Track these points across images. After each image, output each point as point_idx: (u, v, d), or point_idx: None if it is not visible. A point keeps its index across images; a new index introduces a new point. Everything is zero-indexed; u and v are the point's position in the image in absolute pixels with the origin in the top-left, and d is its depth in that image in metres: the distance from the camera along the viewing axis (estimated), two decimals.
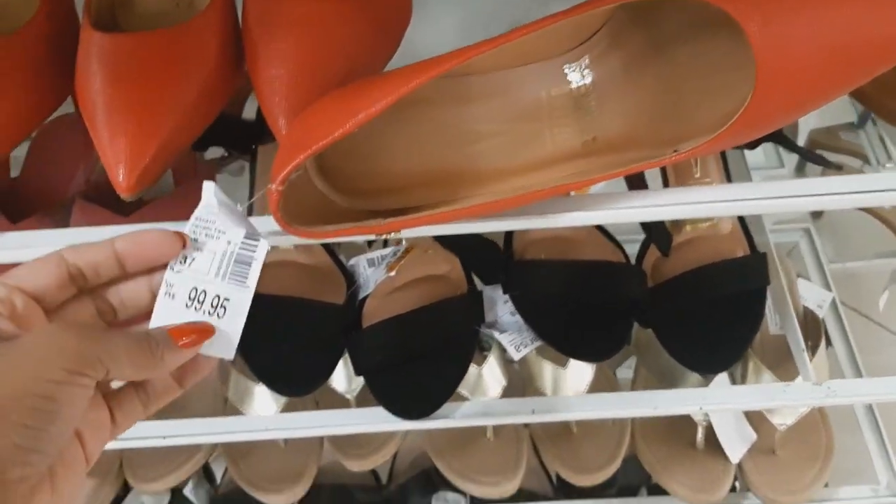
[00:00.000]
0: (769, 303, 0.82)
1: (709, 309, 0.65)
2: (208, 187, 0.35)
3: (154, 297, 0.35)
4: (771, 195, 0.45)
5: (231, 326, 0.35)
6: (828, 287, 0.98)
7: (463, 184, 0.45)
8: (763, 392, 0.64)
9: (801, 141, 1.05)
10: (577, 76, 0.45)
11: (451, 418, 0.65)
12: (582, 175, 0.44)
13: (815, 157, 0.72)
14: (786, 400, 0.64)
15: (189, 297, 0.35)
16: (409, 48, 0.54)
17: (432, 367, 0.65)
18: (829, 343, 0.95)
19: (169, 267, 0.35)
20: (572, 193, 0.56)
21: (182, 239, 0.35)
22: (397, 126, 0.43)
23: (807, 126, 1.04)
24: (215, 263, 0.35)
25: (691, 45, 0.44)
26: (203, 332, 0.35)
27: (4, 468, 0.28)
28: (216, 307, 0.35)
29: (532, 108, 0.45)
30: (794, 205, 0.45)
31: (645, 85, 0.45)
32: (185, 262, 0.35)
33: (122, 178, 0.43)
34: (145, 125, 0.44)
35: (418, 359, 0.65)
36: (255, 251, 0.35)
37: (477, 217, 0.43)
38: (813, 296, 0.91)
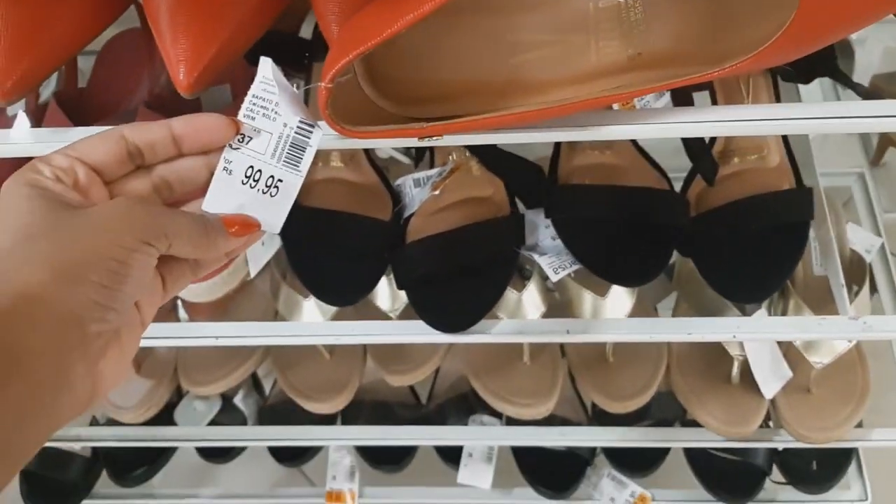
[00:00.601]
0: (814, 243, 0.82)
1: (750, 240, 0.66)
2: (265, 63, 0.37)
3: (210, 174, 0.37)
4: (814, 115, 0.44)
5: (280, 206, 0.37)
6: (878, 234, 0.97)
7: (508, 94, 0.46)
8: (798, 324, 0.65)
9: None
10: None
11: (487, 334, 0.67)
12: (627, 88, 0.45)
13: (870, 94, 0.70)
14: (821, 332, 0.64)
15: (245, 175, 0.37)
16: None
17: (471, 283, 0.67)
18: (874, 289, 0.94)
19: (227, 144, 0.37)
20: (616, 107, 0.57)
21: (236, 126, 0.37)
22: (444, 33, 0.45)
23: (870, 70, 1.01)
24: (272, 145, 0.37)
25: None
26: (249, 225, 0.37)
27: (85, 322, 0.31)
28: (269, 187, 0.37)
29: (579, 20, 0.45)
30: (837, 126, 0.45)
31: (693, 0, 0.45)
32: (242, 140, 0.37)
33: (182, 76, 0.45)
34: (206, 28, 0.46)
35: (458, 275, 0.67)
36: (310, 137, 0.37)
37: (518, 125, 0.44)
38: (861, 240, 0.90)
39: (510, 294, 0.74)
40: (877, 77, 1.08)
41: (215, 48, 0.46)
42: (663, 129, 0.45)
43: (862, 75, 1.01)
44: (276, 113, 0.37)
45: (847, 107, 0.45)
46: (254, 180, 0.37)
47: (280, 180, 0.37)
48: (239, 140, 0.37)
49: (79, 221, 0.32)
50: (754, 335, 0.65)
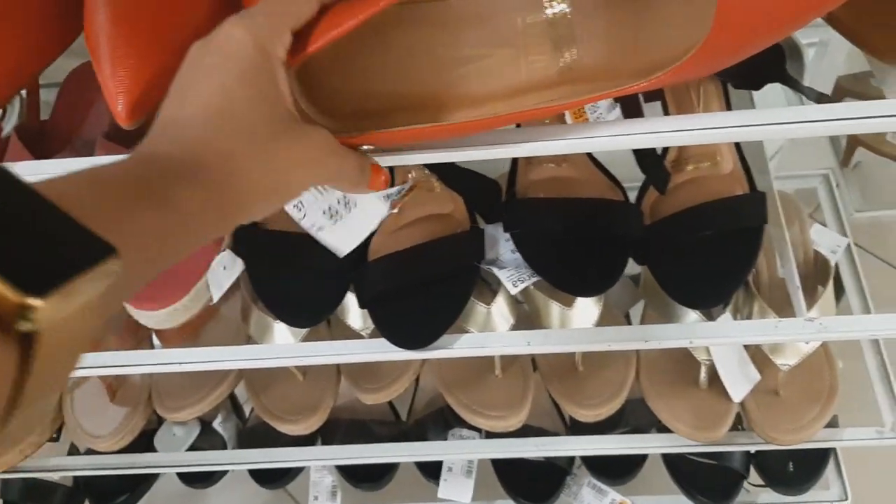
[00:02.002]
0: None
1: (704, 246, 0.66)
2: None
3: None
4: (762, 122, 0.45)
5: (363, 199, 0.47)
6: (844, 234, 0.98)
7: (443, 109, 0.47)
8: (755, 327, 0.65)
9: (828, 87, 1.04)
10: (555, 4, 0.47)
11: (449, 349, 0.68)
12: (559, 101, 0.46)
13: (821, 98, 0.71)
14: (777, 335, 0.65)
15: (330, 217, 0.46)
16: None
17: (432, 300, 0.68)
18: (842, 290, 0.95)
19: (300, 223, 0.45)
20: (569, 120, 0.58)
21: None
22: (378, 47, 0.46)
23: (835, 71, 1.03)
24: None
25: None
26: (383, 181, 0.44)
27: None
28: (346, 203, 0.46)
29: (509, 35, 0.46)
30: (786, 131, 0.45)
31: (621, 15, 0.46)
32: (301, 209, 0.46)
33: (121, 108, 0.46)
34: (144, 58, 0.47)
35: (420, 292, 0.68)
36: None
37: (448, 137, 0.45)
38: (827, 241, 0.91)
39: (479, 307, 0.75)
40: (842, 78, 1.09)
41: (154, 77, 0.47)
42: (616, 142, 0.46)
43: (827, 77, 1.02)
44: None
45: (796, 112, 0.45)
46: (334, 214, 0.45)
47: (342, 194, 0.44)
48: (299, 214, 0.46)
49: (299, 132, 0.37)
50: (711, 340, 0.65)
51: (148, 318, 0.70)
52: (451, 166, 0.74)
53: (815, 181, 1.01)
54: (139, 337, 0.89)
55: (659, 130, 0.46)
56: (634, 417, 0.98)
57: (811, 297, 0.82)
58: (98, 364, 0.71)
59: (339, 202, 0.40)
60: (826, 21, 0.52)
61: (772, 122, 0.46)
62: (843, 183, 1.17)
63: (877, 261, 1.33)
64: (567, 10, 0.47)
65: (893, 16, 0.51)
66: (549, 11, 0.46)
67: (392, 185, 0.77)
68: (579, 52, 0.46)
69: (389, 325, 0.67)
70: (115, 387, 0.90)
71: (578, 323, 0.75)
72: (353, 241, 0.40)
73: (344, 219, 0.40)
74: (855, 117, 0.45)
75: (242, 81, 0.35)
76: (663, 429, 0.92)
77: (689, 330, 0.65)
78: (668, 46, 0.45)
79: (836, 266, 0.95)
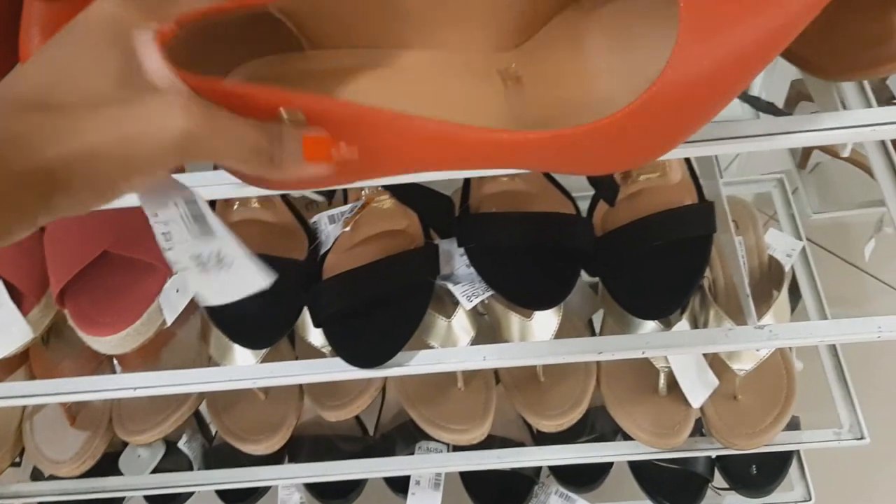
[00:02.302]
0: (743, 254, 0.84)
1: (653, 257, 0.67)
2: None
3: None
4: (711, 137, 0.45)
5: (242, 266, 0.37)
6: (800, 237, 0.99)
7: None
8: (706, 336, 0.66)
9: (783, 89, 1.06)
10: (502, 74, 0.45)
11: (407, 366, 0.68)
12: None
13: (768, 107, 0.72)
14: (727, 344, 0.65)
15: (197, 264, 0.36)
16: None
17: (387, 318, 0.68)
18: (799, 294, 0.96)
19: (164, 254, 0.36)
20: None
21: None
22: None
23: (789, 76, 1.04)
24: (184, 229, 0.35)
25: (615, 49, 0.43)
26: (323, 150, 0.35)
27: None
28: (220, 261, 0.37)
29: (457, 96, 0.44)
30: (737, 146, 0.46)
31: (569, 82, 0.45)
32: (169, 240, 0.36)
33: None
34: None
35: (374, 310, 0.68)
36: (198, 204, 0.36)
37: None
38: (782, 244, 0.92)
39: (440, 320, 0.75)
40: (796, 82, 1.11)
41: None
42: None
43: (782, 82, 1.04)
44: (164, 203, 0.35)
45: (741, 127, 0.46)
46: (204, 263, 0.37)
47: (218, 250, 0.37)
48: (165, 242, 0.36)
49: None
50: (663, 351, 0.66)
51: (100, 343, 0.69)
52: (403, 183, 0.74)
53: (771, 185, 1.03)
54: (99, 360, 0.88)
55: None
56: (600, 424, 0.99)
57: (766, 302, 0.83)
58: (56, 391, 0.71)
59: (212, 256, 0.35)
60: None
61: (719, 137, 0.46)
62: (801, 185, 1.18)
63: (837, 260, 1.35)
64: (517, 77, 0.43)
65: (842, 40, 0.51)
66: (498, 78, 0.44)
67: (345, 202, 0.77)
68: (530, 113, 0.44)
69: (345, 345, 0.67)
70: (75, 411, 0.89)
71: (539, 333, 0.75)
72: (216, 300, 0.37)
73: (212, 275, 0.36)
74: (804, 130, 0.46)
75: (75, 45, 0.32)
76: (627, 436, 0.93)
77: (642, 341, 0.66)
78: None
79: (793, 269, 0.97)
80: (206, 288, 0.36)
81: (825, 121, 0.45)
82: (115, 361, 0.89)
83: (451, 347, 0.74)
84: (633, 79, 0.36)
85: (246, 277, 0.37)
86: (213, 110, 0.31)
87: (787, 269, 0.89)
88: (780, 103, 0.87)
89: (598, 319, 0.93)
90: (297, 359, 0.85)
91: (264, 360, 0.76)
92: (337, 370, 0.69)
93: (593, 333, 0.92)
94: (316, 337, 0.80)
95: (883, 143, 0.65)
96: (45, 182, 0.29)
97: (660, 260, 0.67)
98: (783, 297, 0.81)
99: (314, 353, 0.80)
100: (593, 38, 0.40)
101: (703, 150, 0.45)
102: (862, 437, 0.84)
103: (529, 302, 0.67)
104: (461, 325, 0.76)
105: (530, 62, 0.41)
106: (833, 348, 0.89)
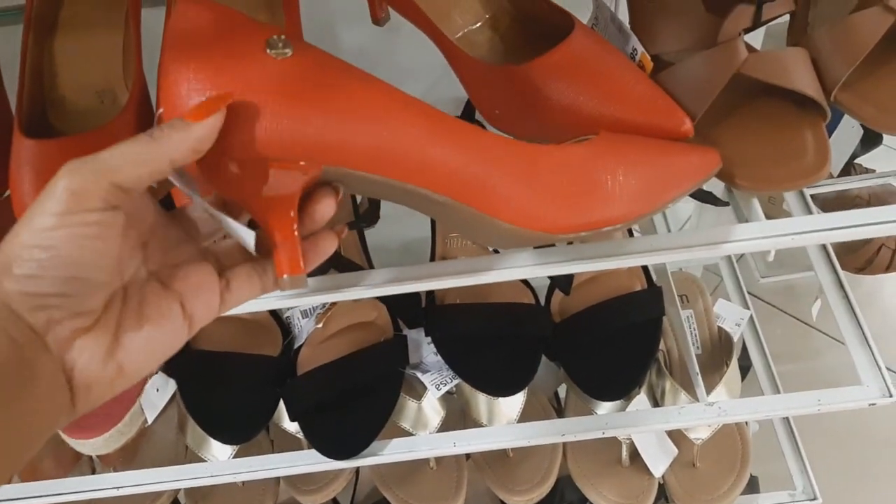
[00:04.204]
0: (687, 324, 0.89)
1: (606, 341, 0.72)
2: None
3: None
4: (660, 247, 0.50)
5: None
6: (747, 306, 1.05)
7: None
8: (660, 415, 0.71)
9: None
10: None
11: (380, 455, 0.71)
12: None
13: (705, 195, 0.78)
14: (681, 421, 0.70)
15: None
16: None
17: (360, 409, 0.72)
18: (749, 363, 1.01)
19: None
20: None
21: None
22: None
23: None
24: None
25: None
26: (207, 105, 0.34)
27: (24, 314, 0.30)
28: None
29: None
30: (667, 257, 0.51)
31: None
32: None
33: None
34: None
35: (347, 403, 0.72)
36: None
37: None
38: (731, 314, 0.98)
39: (410, 403, 0.78)
40: None
41: None
42: (532, 271, 0.50)
43: None
44: None
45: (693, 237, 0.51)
46: None
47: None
48: None
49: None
50: (621, 430, 0.70)
51: (84, 446, 0.71)
52: None
53: (717, 257, 1.09)
54: (78, 456, 0.89)
55: (571, 259, 0.51)
56: (569, 494, 1.02)
57: (719, 372, 0.88)
58: (37, 493, 0.72)
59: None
60: None
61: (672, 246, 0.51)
62: (748, 252, 1.25)
63: (788, 317, 1.42)
64: None
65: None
66: None
67: None
68: None
69: (320, 437, 0.70)
70: None
71: (506, 411, 0.79)
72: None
73: None
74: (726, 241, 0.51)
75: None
76: None
77: (602, 421, 0.70)
78: None
79: (742, 337, 1.02)
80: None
81: (744, 232, 0.50)
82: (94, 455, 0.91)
83: (422, 429, 0.78)
84: None
85: (235, 234, 0.38)
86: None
87: (736, 337, 0.95)
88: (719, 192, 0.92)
89: (563, 389, 0.97)
90: (272, 444, 0.87)
91: (241, 448, 0.79)
92: (313, 462, 0.72)
93: (559, 404, 0.96)
94: (290, 424, 0.83)
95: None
96: None
97: (614, 344, 0.71)
98: (733, 368, 0.86)
99: (289, 438, 0.82)
100: None
101: (634, 261, 0.51)
102: (815, 498, 0.89)
103: (494, 389, 0.71)
104: (431, 406, 0.80)
105: None
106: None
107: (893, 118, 0.52)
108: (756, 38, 0.60)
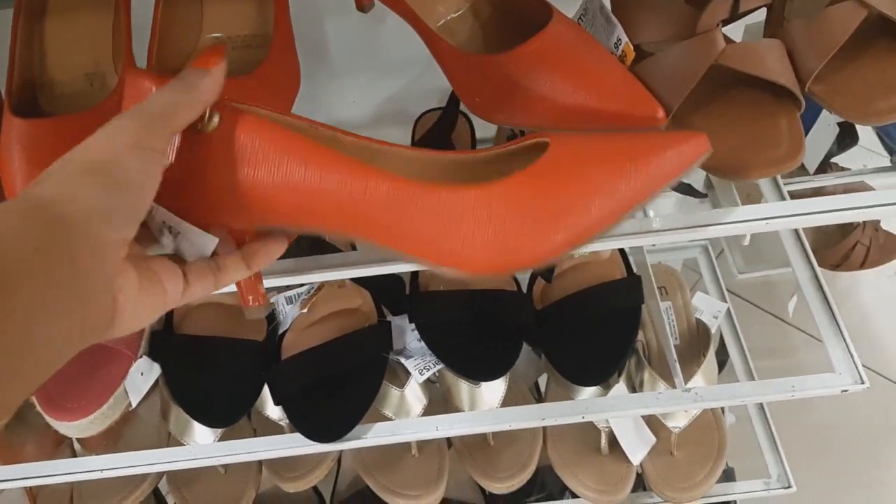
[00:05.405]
0: (665, 315, 0.91)
1: (587, 327, 0.73)
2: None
3: None
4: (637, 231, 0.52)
5: (190, 231, 0.40)
6: (724, 299, 1.07)
7: None
8: (639, 400, 0.72)
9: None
10: None
11: (363, 438, 0.72)
12: None
13: (683, 187, 0.80)
14: (658, 406, 0.71)
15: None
16: None
17: (343, 394, 0.73)
18: (727, 354, 1.03)
19: None
20: None
21: None
22: None
23: None
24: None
25: None
26: (211, 55, 0.39)
27: (96, 227, 0.32)
28: (170, 229, 0.40)
29: None
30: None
31: None
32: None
33: None
34: None
35: (331, 387, 0.73)
36: None
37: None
38: (708, 307, 1.00)
39: (393, 391, 0.79)
40: None
41: None
42: None
43: None
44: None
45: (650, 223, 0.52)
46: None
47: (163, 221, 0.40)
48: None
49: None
50: (600, 415, 0.72)
51: (68, 428, 0.72)
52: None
53: (696, 251, 1.10)
54: (60, 439, 0.90)
55: None
56: (549, 482, 1.04)
57: (696, 362, 0.90)
58: (19, 476, 0.73)
59: (163, 227, 0.40)
60: None
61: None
62: (726, 248, 1.27)
63: (764, 313, 1.44)
64: None
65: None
66: None
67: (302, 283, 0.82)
68: None
69: (304, 421, 0.71)
70: (36, 492, 0.91)
71: (487, 398, 0.80)
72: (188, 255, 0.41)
73: (168, 242, 0.40)
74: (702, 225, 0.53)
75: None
76: (575, 494, 0.98)
77: (582, 406, 0.72)
78: None
79: (720, 329, 1.04)
80: (169, 250, 0.40)
81: (719, 216, 0.52)
82: (75, 440, 0.91)
83: (404, 416, 0.79)
84: None
85: (196, 241, 0.40)
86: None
87: (713, 329, 0.96)
88: (699, 184, 0.95)
89: (543, 380, 0.98)
90: (254, 431, 0.88)
91: (223, 435, 0.80)
92: (296, 445, 0.73)
93: (539, 395, 0.97)
94: (273, 411, 0.83)
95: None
96: None
97: (594, 331, 0.73)
98: (710, 358, 0.88)
99: (271, 425, 0.83)
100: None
101: (618, 243, 0.52)
102: (789, 486, 0.91)
103: (476, 374, 0.72)
104: (414, 393, 0.81)
105: None
106: (759, 403, 0.95)
107: (865, 109, 0.54)
108: (736, 35, 0.62)
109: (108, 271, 0.33)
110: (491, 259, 0.40)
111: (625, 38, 0.57)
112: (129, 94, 0.41)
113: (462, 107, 0.83)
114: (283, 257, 0.45)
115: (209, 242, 0.40)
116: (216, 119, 0.38)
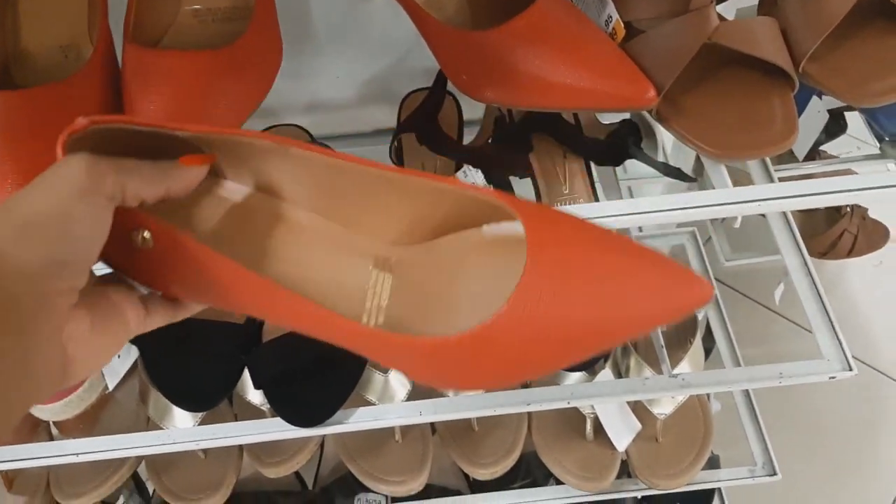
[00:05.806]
0: None
1: None
2: None
3: None
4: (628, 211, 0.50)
5: None
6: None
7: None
8: (625, 385, 0.71)
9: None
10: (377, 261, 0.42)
11: (346, 423, 0.71)
12: None
13: (673, 171, 0.79)
14: (644, 392, 0.71)
15: None
16: None
17: (324, 379, 0.71)
18: (713, 341, 1.03)
19: None
20: None
21: None
22: None
23: None
24: None
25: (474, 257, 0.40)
26: (201, 157, 0.38)
27: (43, 280, 0.31)
28: None
29: (326, 262, 0.42)
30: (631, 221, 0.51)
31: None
32: None
33: None
34: (30, 176, 0.49)
35: (312, 371, 0.71)
36: None
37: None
38: None
39: (377, 376, 0.78)
40: None
41: None
42: None
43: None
44: None
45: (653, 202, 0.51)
46: None
47: None
48: None
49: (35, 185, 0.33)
50: (586, 400, 0.71)
51: (43, 410, 0.70)
52: None
53: (684, 238, 1.10)
54: (36, 423, 0.88)
55: None
56: (533, 469, 1.03)
57: (683, 349, 0.89)
58: (0, 459, 0.71)
59: None
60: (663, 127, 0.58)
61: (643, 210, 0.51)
62: (714, 235, 1.26)
63: (751, 302, 1.44)
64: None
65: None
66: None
67: None
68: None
69: (285, 405, 0.70)
70: (13, 476, 0.89)
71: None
72: None
73: None
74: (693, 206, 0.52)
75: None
76: (560, 480, 0.97)
77: (567, 391, 0.71)
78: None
79: (707, 316, 1.04)
80: None
81: (710, 198, 0.51)
82: (52, 424, 0.89)
83: (388, 401, 0.77)
84: (483, 313, 0.33)
85: None
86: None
87: (700, 316, 0.96)
88: (688, 168, 0.94)
89: None
90: (235, 417, 0.87)
91: (203, 419, 0.78)
92: (277, 430, 0.71)
93: (525, 383, 0.96)
94: (254, 395, 0.82)
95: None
96: None
97: None
98: (697, 345, 0.88)
99: (252, 410, 0.82)
100: (475, 265, 0.39)
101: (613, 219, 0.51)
102: (774, 474, 0.90)
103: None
104: (398, 378, 0.80)
105: (408, 263, 0.40)
106: (745, 391, 0.95)
107: (860, 90, 0.53)
108: (728, 15, 0.61)
109: (55, 322, 0.32)
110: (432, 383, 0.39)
111: (616, 15, 0.56)
112: None
113: (450, 86, 0.81)
114: None
115: None
116: (148, 235, 0.37)
